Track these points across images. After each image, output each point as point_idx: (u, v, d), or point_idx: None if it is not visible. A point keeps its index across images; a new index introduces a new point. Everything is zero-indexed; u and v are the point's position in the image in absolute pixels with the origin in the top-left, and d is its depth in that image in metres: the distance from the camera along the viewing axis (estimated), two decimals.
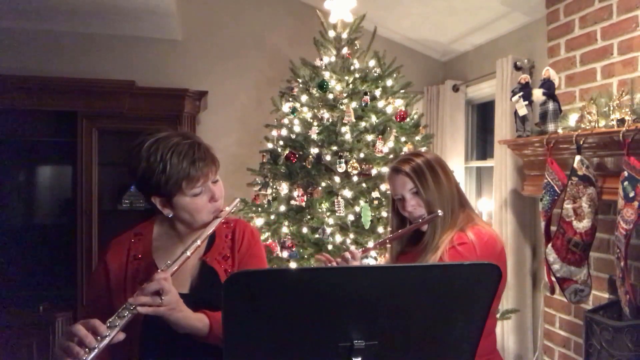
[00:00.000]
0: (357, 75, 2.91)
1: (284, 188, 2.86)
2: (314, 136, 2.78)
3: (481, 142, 4.15)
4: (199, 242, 1.24)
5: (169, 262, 1.20)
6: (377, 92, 2.90)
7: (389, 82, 2.93)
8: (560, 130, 2.49)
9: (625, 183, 2.02)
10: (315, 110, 2.90)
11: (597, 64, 2.51)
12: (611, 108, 2.19)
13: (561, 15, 2.74)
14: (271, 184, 2.97)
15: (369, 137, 2.78)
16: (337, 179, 2.74)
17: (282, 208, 2.86)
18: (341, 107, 2.82)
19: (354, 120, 2.77)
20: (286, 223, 2.80)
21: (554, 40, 2.80)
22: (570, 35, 2.68)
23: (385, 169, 2.71)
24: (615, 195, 2.14)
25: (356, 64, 2.93)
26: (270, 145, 3.09)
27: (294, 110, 2.92)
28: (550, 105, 2.53)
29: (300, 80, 3.02)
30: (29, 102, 3.39)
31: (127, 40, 3.84)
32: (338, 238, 2.66)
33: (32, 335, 3.26)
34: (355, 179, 2.74)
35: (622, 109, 2.13)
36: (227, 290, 0.89)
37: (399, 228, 1.71)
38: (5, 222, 3.58)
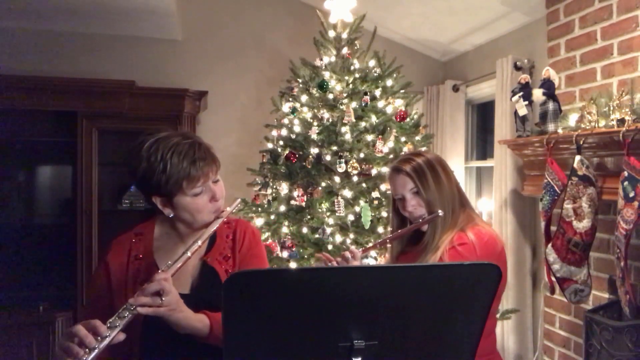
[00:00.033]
0: (357, 75, 2.91)
1: (284, 188, 2.86)
2: (314, 136, 2.78)
3: (481, 142, 4.15)
4: (199, 242, 1.24)
5: (169, 262, 1.20)
6: (377, 92, 2.90)
7: (389, 82, 2.93)
8: (560, 130, 2.49)
9: (625, 183, 2.02)
10: (315, 110, 2.90)
11: (597, 64, 2.51)
12: (611, 108, 2.19)
13: (561, 15, 2.74)
14: (271, 184, 2.97)
15: (369, 137, 2.78)
16: (337, 179, 2.74)
17: (282, 208, 2.86)
18: (341, 107, 2.82)
19: (354, 120, 2.77)
20: (286, 223, 2.80)
21: (554, 40, 2.80)
22: (570, 35, 2.68)
23: (385, 169, 2.71)
24: (615, 195, 2.14)
25: (356, 64, 2.93)
26: (270, 145, 3.09)
27: (294, 110, 2.92)
28: (550, 105, 2.53)
29: (300, 80, 3.02)
30: (29, 102, 3.39)
31: (127, 40, 3.84)
32: (338, 238, 2.66)
33: (32, 335, 3.26)
34: (355, 179, 2.74)
35: (622, 109, 2.13)
36: (227, 290, 0.89)
37: (400, 228, 1.71)
38: (5, 222, 3.58)
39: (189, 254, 1.22)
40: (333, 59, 2.95)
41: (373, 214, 2.66)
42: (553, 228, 2.53)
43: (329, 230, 2.66)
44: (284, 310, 0.92)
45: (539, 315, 3.10)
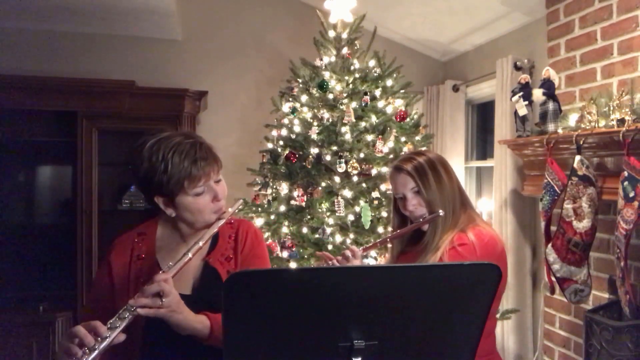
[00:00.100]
0: (357, 75, 2.91)
1: (284, 188, 2.86)
2: (314, 136, 2.78)
3: (481, 142, 4.15)
4: (200, 243, 1.24)
5: (170, 263, 1.20)
6: (377, 92, 2.90)
7: (389, 82, 2.94)
8: (560, 130, 2.49)
9: (625, 183, 2.02)
10: (315, 110, 2.90)
11: (597, 64, 2.51)
12: (611, 108, 2.19)
13: (561, 15, 2.74)
14: (271, 184, 2.97)
15: (369, 137, 2.78)
16: (337, 179, 2.74)
17: (282, 208, 2.86)
18: (341, 107, 2.82)
19: (354, 120, 2.77)
20: (286, 223, 2.80)
21: (554, 40, 2.80)
22: (570, 35, 2.68)
23: (385, 169, 2.72)
24: (615, 195, 2.14)
25: (356, 64, 2.93)
26: (270, 145, 3.09)
27: (294, 110, 2.92)
28: (550, 105, 2.53)
29: (300, 80, 3.02)
30: (29, 102, 3.40)
31: (127, 40, 3.84)
32: (338, 238, 2.66)
33: (32, 335, 3.26)
34: (355, 179, 2.74)
35: (622, 109, 2.13)
36: (227, 290, 0.89)
37: (400, 227, 1.71)
38: (5, 222, 3.58)
39: (190, 255, 1.22)
40: (333, 59, 2.95)
41: (373, 214, 2.66)
42: (553, 228, 2.53)
43: (329, 230, 2.66)
44: (284, 310, 0.92)
45: (539, 315, 3.10)
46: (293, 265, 2.70)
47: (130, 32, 3.78)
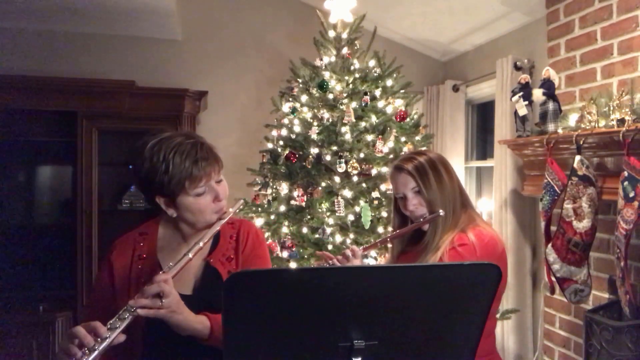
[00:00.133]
0: (357, 75, 2.91)
1: (284, 188, 2.86)
2: (314, 136, 2.78)
3: (481, 142, 4.15)
4: (201, 244, 1.24)
5: (171, 264, 1.20)
6: (377, 92, 2.90)
7: (389, 82, 2.93)
8: (560, 130, 2.49)
9: (625, 183, 2.02)
10: (315, 110, 2.90)
11: (597, 64, 2.51)
12: (611, 108, 2.19)
13: (561, 15, 2.74)
14: (271, 184, 2.97)
15: (369, 137, 2.78)
16: (337, 179, 2.74)
17: (282, 208, 2.86)
18: (341, 107, 2.82)
19: (354, 120, 2.77)
20: (286, 223, 2.80)
21: (554, 40, 2.80)
22: (570, 35, 2.68)
23: (385, 169, 2.72)
24: (615, 195, 2.14)
25: (356, 64, 2.93)
26: (270, 145, 3.09)
27: (294, 110, 2.92)
28: (550, 105, 2.53)
29: (300, 80, 3.02)
30: (29, 102, 3.39)
31: (127, 40, 3.84)
32: (338, 238, 2.66)
33: (32, 335, 3.26)
34: (355, 179, 2.74)
35: (622, 109, 2.13)
36: (227, 290, 0.89)
37: (401, 227, 1.71)
38: (5, 222, 3.58)
39: (190, 255, 1.22)
40: (333, 59, 2.95)
41: (373, 214, 2.66)
42: (553, 228, 2.53)
43: (329, 230, 2.66)
44: (284, 310, 0.92)
45: (539, 315, 3.10)
46: (293, 265, 2.70)
47: (130, 32, 3.78)
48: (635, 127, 2.02)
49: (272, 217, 2.89)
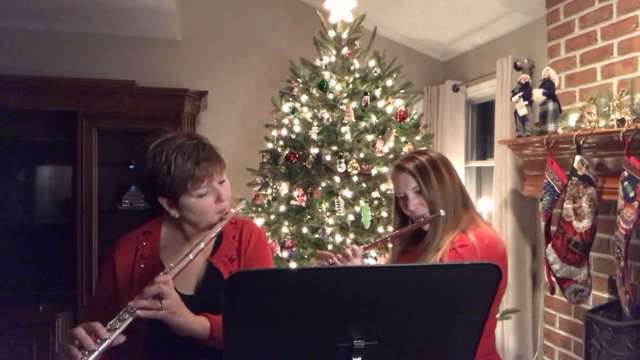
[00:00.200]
0: (357, 75, 2.91)
1: (284, 188, 2.86)
2: (314, 136, 2.78)
3: (481, 142, 4.15)
4: (202, 245, 1.24)
5: (171, 264, 1.21)
6: (377, 92, 2.90)
7: (389, 82, 2.93)
8: (560, 130, 2.49)
9: (625, 183, 2.02)
10: (315, 110, 2.90)
11: (597, 64, 2.51)
12: (611, 108, 2.19)
13: (561, 15, 2.74)
14: (271, 184, 2.97)
15: (369, 137, 2.78)
16: (337, 179, 2.74)
17: (282, 208, 2.86)
18: (341, 107, 2.82)
19: (354, 120, 2.77)
20: (286, 223, 2.80)
21: (554, 40, 2.80)
22: (570, 35, 2.68)
23: (385, 169, 2.72)
24: (615, 195, 2.14)
25: (356, 64, 2.93)
26: (270, 145, 3.09)
27: (294, 110, 2.92)
28: (550, 105, 2.53)
29: (300, 80, 3.02)
30: (29, 102, 3.39)
31: (127, 40, 3.84)
32: (338, 238, 2.66)
33: (32, 335, 3.26)
34: (355, 179, 2.74)
35: (622, 109, 2.13)
36: (227, 290, 0.89)
37: (401, 226, 1.70)
38: (5, 222, 3.58)
39: (191, 256, 1.22)
40: (333, 59, 2.95)
41: (373, 214, 2.66)
42: (553, 228, 2.53)
43: (329, 230, 2.66)
44: (284, 310, 0.92)
45: (539, 315, 3.10)
46: (293, 265, 2.70)
47: (130, 32, 3.78)
48: (635, 127, 2.02)
49: (272, 217, 2.89)
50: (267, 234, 2.84)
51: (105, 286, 1.34)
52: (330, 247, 2.64)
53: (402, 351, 0.99)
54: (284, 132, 2.96)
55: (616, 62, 2.40)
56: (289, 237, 2.76)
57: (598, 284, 2.47)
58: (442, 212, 1.53)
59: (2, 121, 3.40)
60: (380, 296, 0.93)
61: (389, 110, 2.86)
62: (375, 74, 2.93)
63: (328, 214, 2.69)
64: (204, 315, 1.22)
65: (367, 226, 2.62)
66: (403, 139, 2.85)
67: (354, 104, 2.81)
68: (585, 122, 2.30)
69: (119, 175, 3.77)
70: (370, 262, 2.63)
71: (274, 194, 2.96)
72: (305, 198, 2.77)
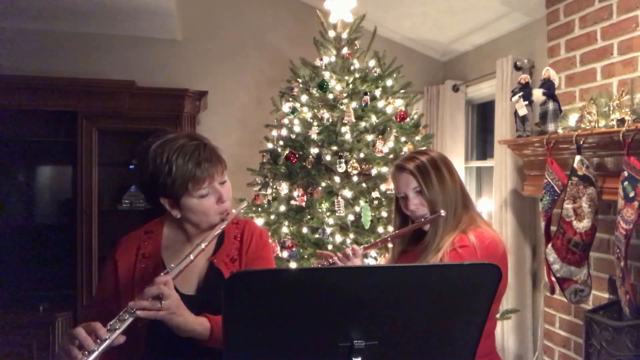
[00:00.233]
0: (357, 75, 2.91)
1: (284, 188, 2.86)
2: (314, 136, 2.78)
3: (481, 142, 4.15)
4: (203, 245, 1.24)
5: (172, 265, 1.21)
6: (377, 92, 2.90)
7: (389, 82, 2.94)
8: (560, 130, 2.49)
9: (625, 183, 2.02)
10: (315, 110, 2.90)
11: (597, 64, 2.51)
12: (611, 108, 2.19)
13: (561, 15, 2.74)
14: (271, 184, 2.97)
15: (369, 137, 2.78)
16: (337, 179, 2.74)
17: (282, 208, 2.86)
18: (341, 107, 2.82)
19: (354, 120, 2.77)
20: (286, 223, 2.80)
21: (554, 40, 2.80)
22: (570, 35, 2.68)
23: (385, 169, 2.72)
24: (615, 195, 2.14)
25: (356, 64, 2.93)
26: (270, 145, 3.09)
27: (294, 110, 2.92)
28: (550, 105, 2.53)
29: (300, 80, 3.02)
30: (29, 102, 3.39)
31: (127, 40, 3.84)
32: (338, 238, 2.66)
33: (32, 335, 3.26)
34: (355, 179, 2.74)
35: (622, 109, 2.13)
36: (227, 290, 0.89)
37: (402, 226, 1.70)
38: (5, 222, 3.58)
39: (191, 257, 1.22)
40: (333, 59, 2.95)
41: (373, 214, 2.66)
42: (553, 228, 2.53)
43: (329, 230, 2.66)
44: (284, 310, 0.92)
45: (539, 315, 3.10)
46: (293, 265, 2.70)
47: (130, 32, 3.78)
48: (635, 127, 2.02)
49: (272, 217, 2.89)
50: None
51: (106, 286, 1.34)
52: (330, 247, 2.64)
53: (402, 351, 0.99)
54: (284, 132, 2.96)
55: (616, 62, 2.40)
56: (289, 237, 2.76)
57: (598, 284, 2.47)
58: (442, 213, 1.53)
59: (2, 121, 3.41)
60: (380, 296, 0.93)
61: (389, 110, 2.86)
62: (375, 74, 2.93)
63: (328, 214, 2.69)
64: (204, 316, 1.22)
65: (367, 226, 2.62)
66: (403, 139, 2.85)
67: (354, 104, 2.81)
68: (585, 122, 2.30)
69: (119, 175, 3.77)
70: (370, 262, 2.63)
71: (274, 194, 2.96)
72: (305, 198, 2.77)
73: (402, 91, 2.99)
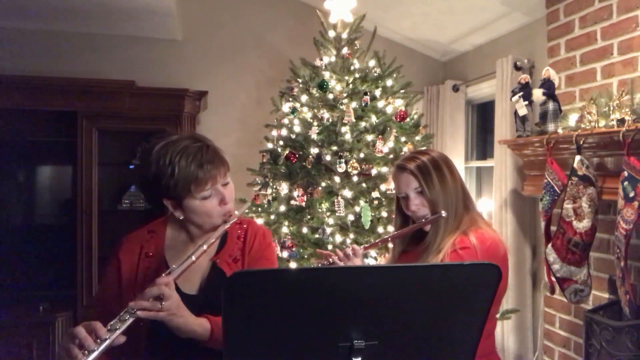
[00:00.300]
0: (357, 75, 2.91)
1: (284, 188, 2.86)
2: (314, 136, 2.78)
3: (481, 142, 4.15)
4: (205, 247, 1.24)
5: (174, 266, 1.21)
6: (377, 92, 2.90)
7: (389, 82, 2.94)
8: (560, 130, 2.49)
9: (625, 183, 2.02)
10: (315, 110, 2.90)
11: (597, 64, 2.51)
12: (611, 108, 2.19)
13: (561, 15, 2.74)
14: (271, 184, 2.97)
15: (369, 137, 2.78)
16: (337, 179, 2.74)
17: (282, 208, 2.86)
18: (341, 107, 2.82)
19: (354, 120, 2.77)
20: (286, 223, 2.80)
21: (554, 40, 2.80)
22: (570, 35, 2.68)
23: (385, 169, 2.72)
24: (615, 195, 2.14)
25: (356, 64, 2.93)
26: (270, 145, 3.09)
27: (294, 110, 2.92)
28: (550, 105, 2.53)
29: (300, 80, 3.02)
30: (29, 102, 3.39)
31: (127, 40, 3.84)
32: (338, 238, 2.66)
33: (32, 335, 3.26)
34: (355, 179, 2.74)
35: (622, 109, 2.13)
36: (227, 290, 0.89)
37: (402, 226, 1.70)
38: (5, 222, 3.58)
39: (193, 258, 1.22)
40: (333, 59, 2.95)
41: (373, 214, 2.66)
42: (553, 228, 2.53)
43: (329, 230, 2.66)
44: (284, 310, 0.92)
45: (539, 315, 3.10)
46: (293, 265, 2.70)
47: (130, 32, 3.78)
48: (635, 127, 2.02)
49: (272, 217, 2.89)
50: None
51: (109, 285, 1.34)
52: (330, 247, 2.64)
53: (402, 351, 0.99)
54: (284, 132, 2.96)
55: (616, 62, 2.40)
56: (289, 237, 2.76)
57: (598, 284, 2.47)
58: (443, 213, 1.52)
59: (2, 121, 3.41)
60: (380, 296, 0.93)
61: (389, 110, 2.86)
62: (375, 74, 2.93)
63: (328, 214, 2.69)
64: (205, 317, 1.22)
65: (367, 226, 2.62)
66: (403, 139, 2.85)
67: (354, 104, 2.81)
68: (585, 122, 2.30)
69: (119, 175, 3.77)
70: (370, 262, 2.63)
71: (274, 194, 2.96)
72: (305, 198, 2.77)
73: (402, 91, 2.99)
